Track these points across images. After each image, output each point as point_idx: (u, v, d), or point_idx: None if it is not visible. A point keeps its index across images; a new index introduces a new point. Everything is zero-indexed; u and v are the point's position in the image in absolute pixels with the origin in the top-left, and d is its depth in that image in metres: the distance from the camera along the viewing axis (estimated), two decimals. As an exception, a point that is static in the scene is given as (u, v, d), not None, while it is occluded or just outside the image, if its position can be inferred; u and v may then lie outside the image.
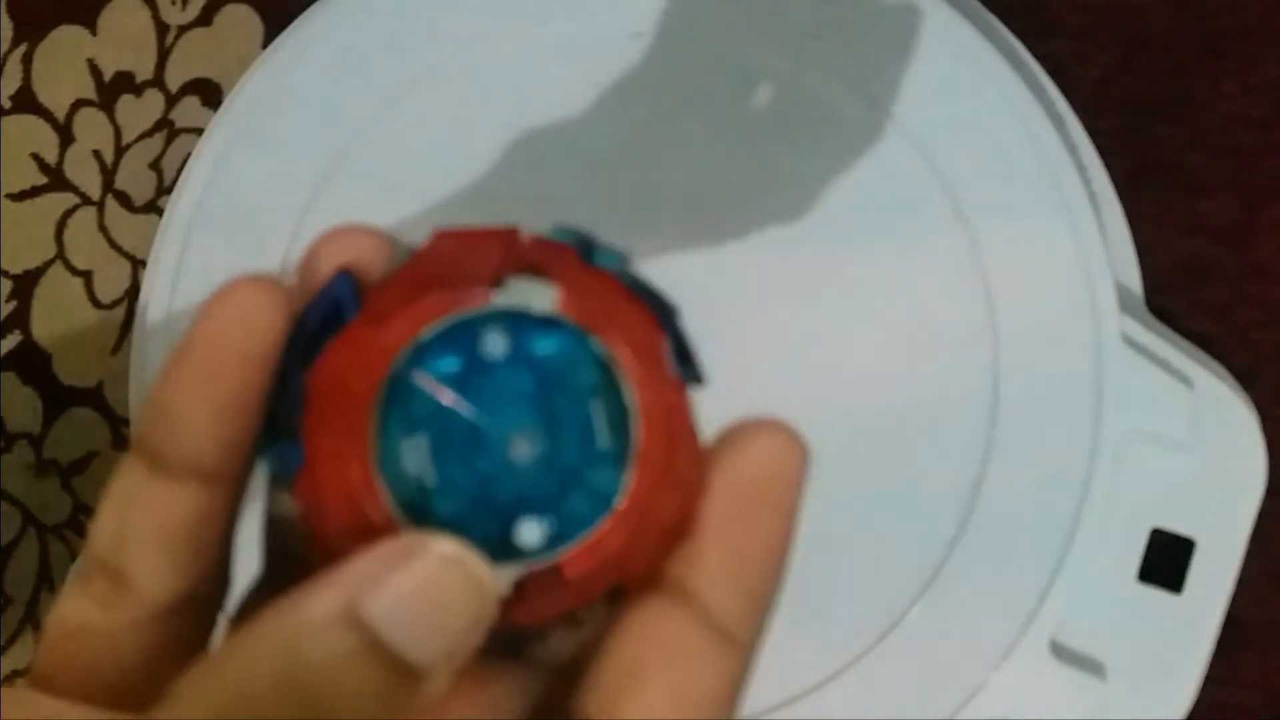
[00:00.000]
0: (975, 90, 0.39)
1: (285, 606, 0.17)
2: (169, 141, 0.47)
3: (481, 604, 0.18)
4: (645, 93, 0.41)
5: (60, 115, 0.48)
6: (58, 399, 0.46)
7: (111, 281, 0.47)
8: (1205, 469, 0.38)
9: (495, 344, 0.19)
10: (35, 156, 0.47)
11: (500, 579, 0.18)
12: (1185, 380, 0.38)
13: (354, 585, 0.17)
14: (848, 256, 0.39)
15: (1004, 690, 0.37)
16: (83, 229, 0.47)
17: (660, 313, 0.19)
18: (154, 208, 0.47)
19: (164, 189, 0.47)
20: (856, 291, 0.39)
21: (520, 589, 0.18)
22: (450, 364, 0.19)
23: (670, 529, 0.19)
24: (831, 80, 0.40)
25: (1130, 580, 0.38)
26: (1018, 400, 0.38)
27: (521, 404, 0.19)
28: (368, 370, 0.18)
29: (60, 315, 0.47)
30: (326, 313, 0.19)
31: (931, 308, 0.39)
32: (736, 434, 0.20)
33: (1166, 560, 0.38)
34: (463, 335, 0.19)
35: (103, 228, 0.47)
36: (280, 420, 0.19)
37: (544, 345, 0.19)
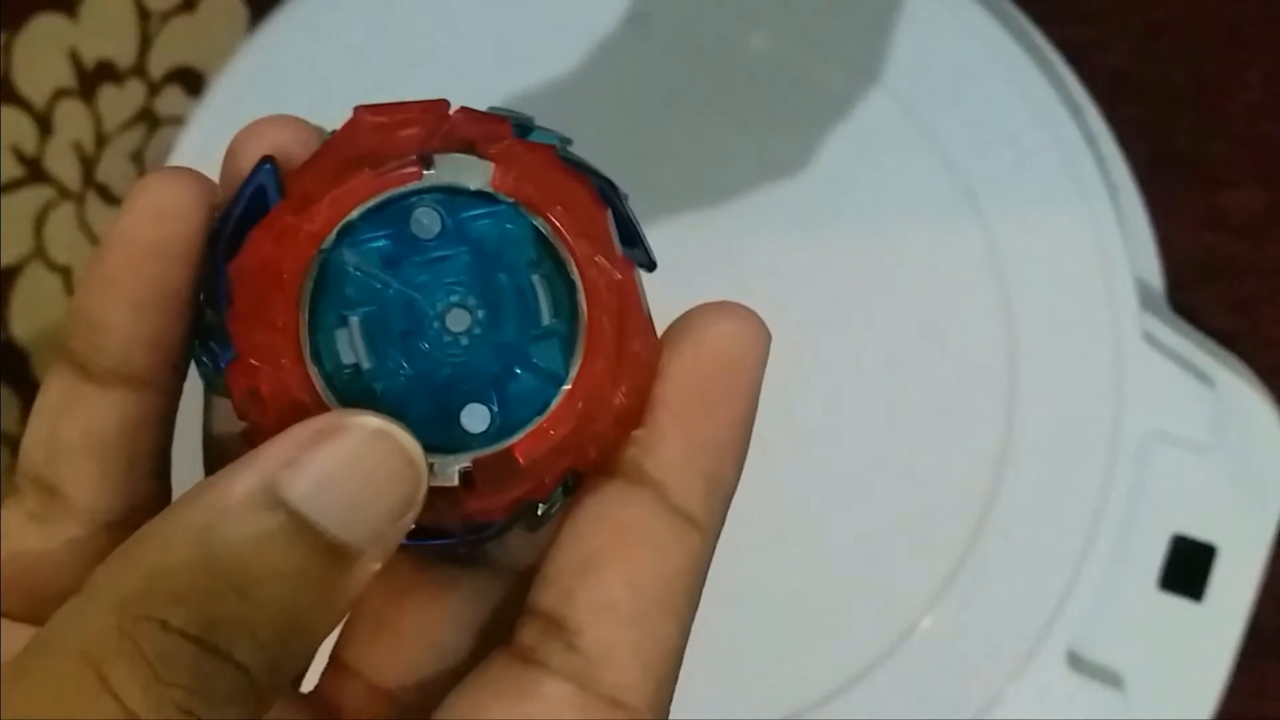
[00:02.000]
0: (991, 77, 0.39)
1: (203, 488, 0.17)
2: (151, 132, 0.47)
3: (412, 480, 0.17)
4: (646, 77, 0.40)
5: (40, 106, 0.47)
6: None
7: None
8: (1227, 472, 0.38)
9: (427, 221, 0.18)
10: (14, 149, 0.47)
11: (447, 468, 0.18)
12: (1207, 380, 0.38)
13: (274, 464, 0.17)
14: (858, 250, 0.39)
15: (1020, 702, 0.36)
16: (62, 223, 0.47)
17: (603, 190, 0.19)
18: (136, 201, 0.46)
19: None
20: (868, 287, 0.39)
21: (469, 479, 0.18)
22: (380, 244, 0.18)
23: (625, 412, 0.18)
24: (843, 67, 0.40)
25: (1150, 588, 0.37)
26: (1034, 400, 0.37)
27: (457, 281, 0.18)
28: (294, 256, 0.18)
29: (39, 313, 0.47)
30: (251, 202, 0.18)
31: (945, 303, 0.38)
32: (694, 316, 0.19)
33: (1187, 567, 0.38)
34: (393, 215, 0.18)
35: (83, 222, 0.47)
36: (210, 319, 0.19)
37: (479, 222, 0.18)
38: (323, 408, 0.18)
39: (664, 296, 0.40)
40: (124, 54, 0.47)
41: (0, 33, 0.47)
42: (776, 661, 0.37)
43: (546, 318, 0.18)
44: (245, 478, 0.17)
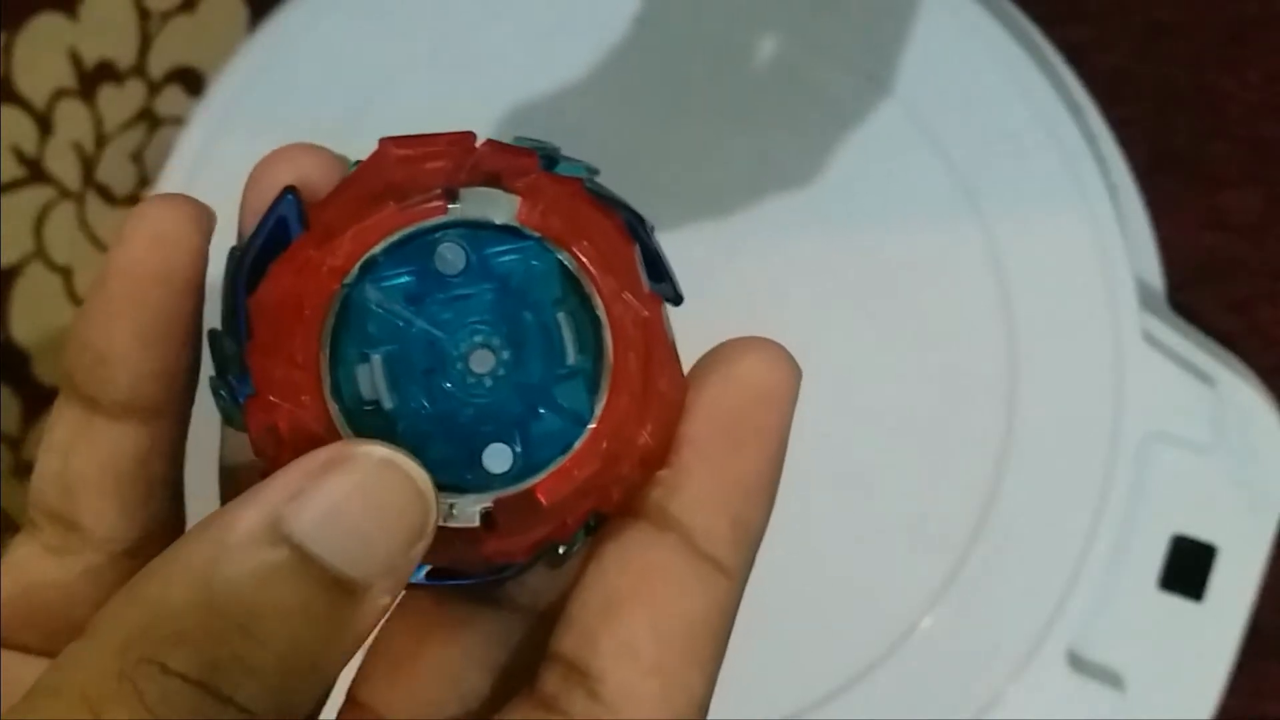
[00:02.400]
0: (991, 77, 0.39)
1: (208, 523, 0.16)
2: (151, 132, 0.46)
3: (421, 510, 0.17)
4: (647, 79, 0.40)
5: (40, 106, 0.47)
6: (37, 400, 0.46)
7: (92, 278, 0.46)
8: (1228, 472, 0.37)
9: (451, 257, 0.18)
10: (14, 149, 0.47)
11: (467, 509, 0.17)
12: (1207, 380, 0.38)
13: (279, 497, 0.16)
14: (858, 250, 0.39)
15: (1020, 702, 0.36)
16: (62, 223, 0.47)
17: (630, 224, 0.18)
18: (136, 201, 0.46)
19: (146, 181, 0.46)
20: (868, 287, 0.39)
21: (491, 519, 0.18)
22: (404, 280, 0.18)
23: (650, 453, 0.18)
24: (841, 67, 0.39)
25: (1150, 588, 0.37)
26: (1034, 401, 0.37)
27: (482, 320, 0.18)
28: (316, 290, 0.17)
29: (39, 313, 0.46)
30: (272, 234, 0.18)
31: (944, 303, 0.38)
32: (722, 352, 0.19)
33: (1187, 567, 0.37)
34: (417, 250, 0.18)
35: (83, 222, 0.47)
36: (228, 351, 0.18)
37: (504, 258, 0.18)
38: None
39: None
40: (124, 54, 0.47)
41: (0, 33, 0.47)
42: (776, 661, 0.37)
43: (571, 356, 0.18)
44: (249, 513, 0.16)
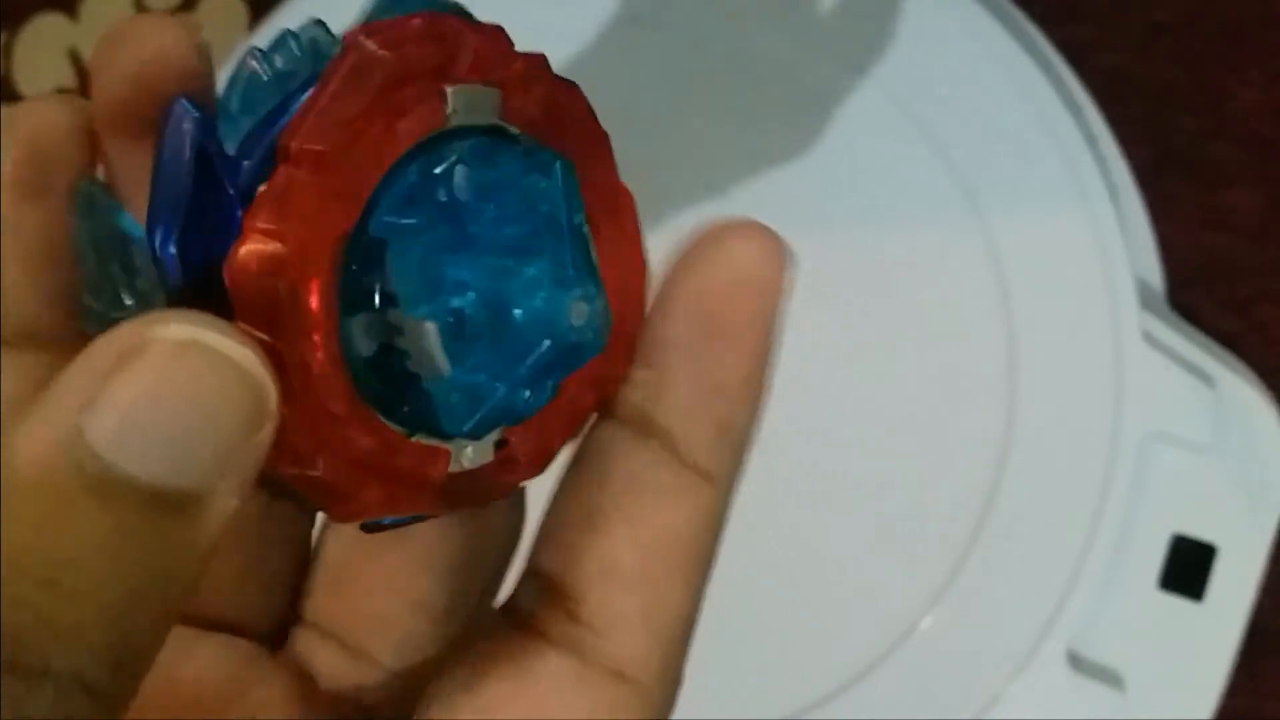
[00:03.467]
0: (990, 77, 0.39)
1: None
2: (151, 132, 0.46)
3: (248, 391, 0.14)
4: (645, 78, 0.40)
5: (40, 105, 0.47)
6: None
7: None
8: (1228, 472, 0.37)
9: (465, 182, 0.16)
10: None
11: (479, 447, 0.16)
12: (1207, 380, 0.38)
13: (70, 404, 0.13)
14: (858, 250, 0.39)
15: (1020, 701, 0.36)
16: None
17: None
18: (136, 201, 0.46)
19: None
20: (868, 287, 0.39)
21: (506, 445, 0.16)
22: (414, 220, 0.16)
23: (632, 340, 0.17)
24: (841, 67, 0.39)
25: (1150, 588, 0.37)
26: (1034, 401, 0.37)
27: (515, 247, 0.16)
28: (326, 233, 0.14)
29: None
30: (197, 171, 0.15)
31: (945, 304, 0.38)
32: (704, 239, 0.17)
33: (1187, 567, 0.37)
34: (423, 175, 0.16)
35: None
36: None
37: (510, 168, 0.16)
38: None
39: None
40: (124, 54, 0.47)
41: (0, 33, 0.47)
42: (776, 661, 0.37)
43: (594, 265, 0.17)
44: (36, 431, 0.13)
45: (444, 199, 0.16)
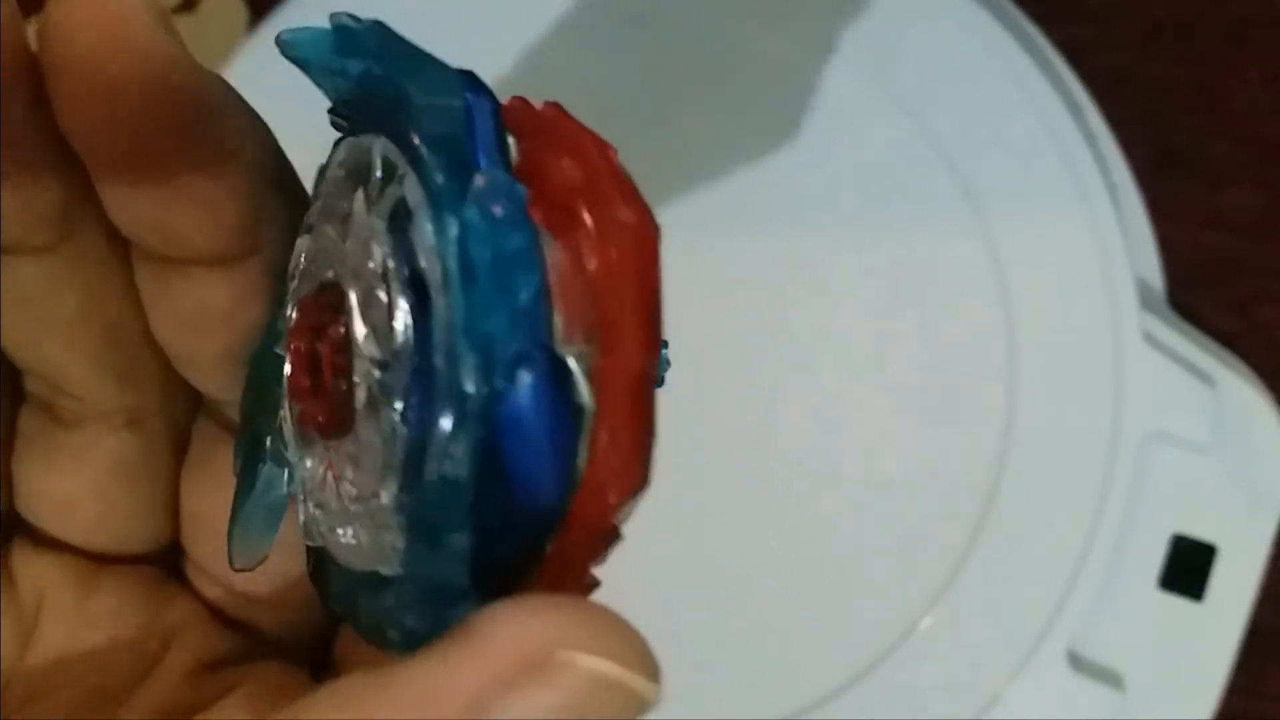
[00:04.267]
0: (989, 76, 0.39)
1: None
2: (151, 132, 0.46)
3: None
4: (644, 76, 0.40)
5: (40, 105, 0.47)
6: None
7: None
8: (1228, 472, 0.37)
9: None
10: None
11: None
12: (1207, 380, 0.38)
13: (457, 699, 0.13)
14: (857, 250, 0.39)
15: (1020, 701, 0.36)
16: None
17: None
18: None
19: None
20: (867, 287, 0.39)
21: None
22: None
23: None
24: (838, 65, 0.39)
25: (1150, 588, 0.37)
26: (1034, 401, 0.37)
27: None
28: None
29: None
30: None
31: (944, 304, 0.38)
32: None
33: (1187, 567, 0.37)
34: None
35: None
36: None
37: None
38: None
39: (665, 296, 0.39)
40: (124, 54, 0.46)
41: None
42: (776, 661, 0.37)
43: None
44: (420, 708, 0.13)
45: None
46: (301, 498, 0.16)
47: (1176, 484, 0.37)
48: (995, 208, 0.38)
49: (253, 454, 0.17)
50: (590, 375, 0.14)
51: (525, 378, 0.13)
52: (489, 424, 0.13)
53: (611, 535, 0.14)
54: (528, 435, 0.13)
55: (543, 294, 0.13)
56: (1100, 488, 0.36)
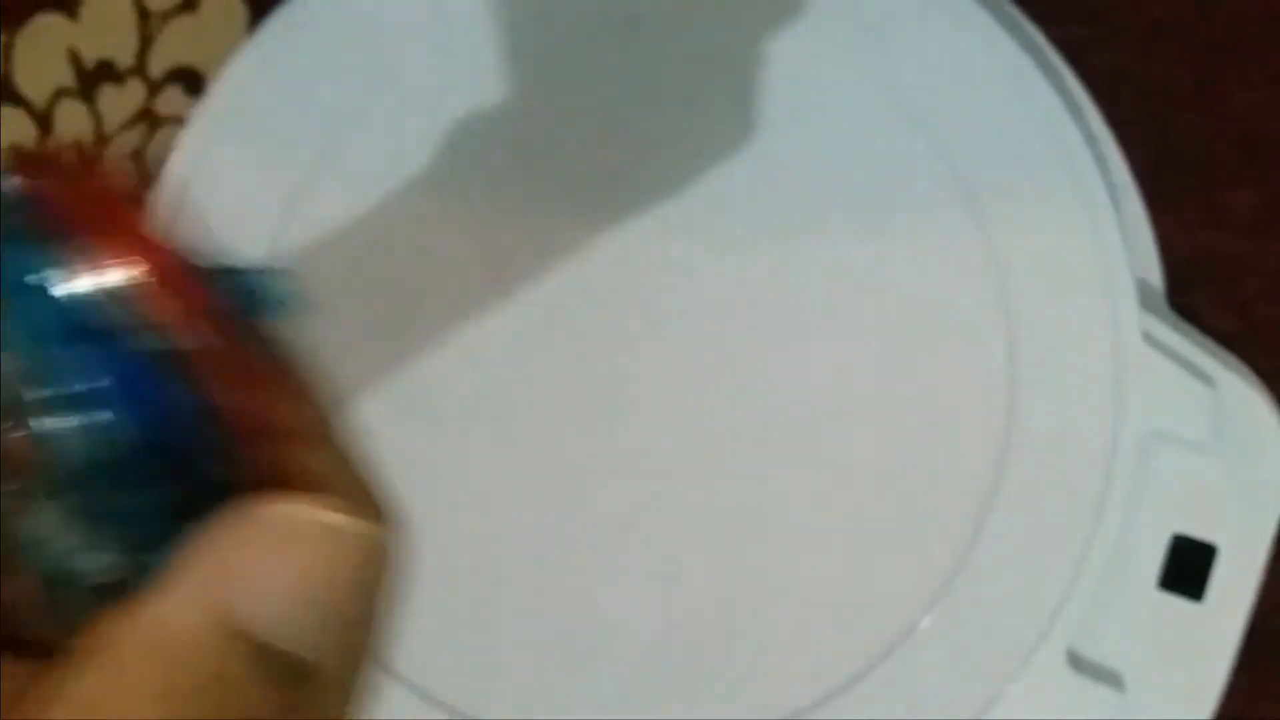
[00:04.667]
0: (988, 77, 0.38)
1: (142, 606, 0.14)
2: (151, 132, 0.46)
3: (377, 566, 0.14)
4: (642, 76, 0.40)
5: (40, 106, 0.47)
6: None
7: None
8: (1228, 472, 0.37)
9: None
10: (14, 149, 0.46)
11: None
12: (1207, 380, 0.38)
13: (216, 583, 0.14)
14: (856, 250, 0.39)
15: (1020, 701, 0.36)
16: None
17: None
18: (136, 201, 0.46)
19: (145, 182, 0.46)
20: (866, 287, 0.38)
21: None
22: None
23: None
24: (837, 65, 0.39)
25: (1150, 588, 0.37)
26: (1033, 401, 0.37)
27: None
28: None
29: None
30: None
31: (943, 304, 0.38)
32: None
33: (1187, 567, 0.37)
34: None
35: None
36: None
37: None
38: None
39: (665, 296, 0.40)
40: (124, 54, 0.46)
41: (0, 33, 0.47)
42: (776, 661, 0.37)
43: None
44: (186, 607, 0.13)
45: None
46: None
47: (1176, 484, 0.37)
48: (995, 208, 0.38)
49: None
50: (119, 295, 0.14)
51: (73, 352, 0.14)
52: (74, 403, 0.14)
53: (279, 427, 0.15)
54: (109, 394, 0.14)
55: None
56: (1100, 487, 0.36)
